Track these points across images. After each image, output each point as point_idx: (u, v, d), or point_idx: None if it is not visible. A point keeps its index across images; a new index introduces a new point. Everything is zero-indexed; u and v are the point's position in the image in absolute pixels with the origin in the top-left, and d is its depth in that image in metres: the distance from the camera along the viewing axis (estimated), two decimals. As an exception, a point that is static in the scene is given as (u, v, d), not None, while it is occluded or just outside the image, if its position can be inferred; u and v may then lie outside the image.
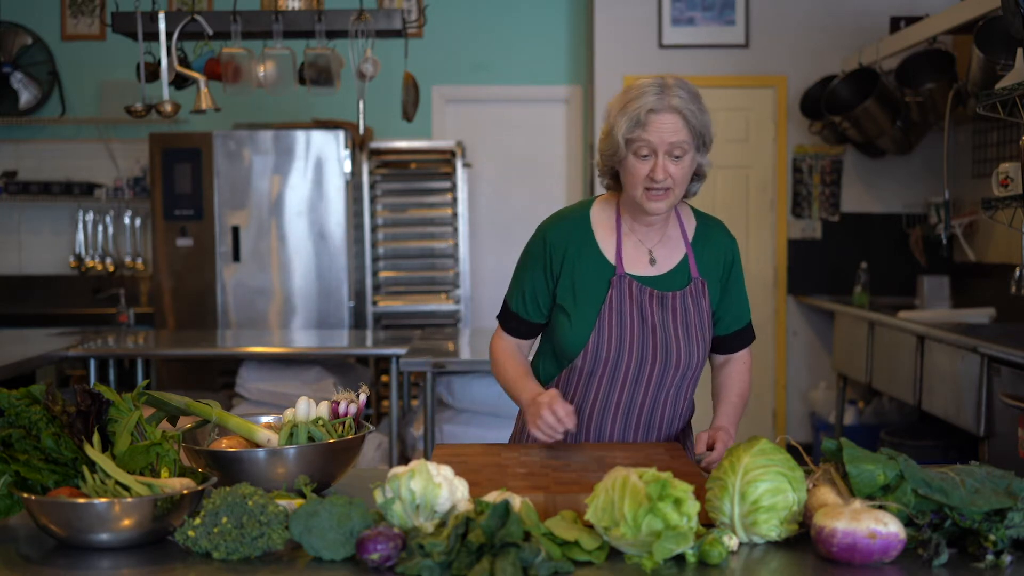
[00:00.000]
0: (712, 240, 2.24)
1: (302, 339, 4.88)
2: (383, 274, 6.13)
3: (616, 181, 2.18)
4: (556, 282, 2.18)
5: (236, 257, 5.63)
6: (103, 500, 1.56)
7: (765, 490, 1.56)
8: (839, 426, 5.70)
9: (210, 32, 4.35)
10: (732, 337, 2.27)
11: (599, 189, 5.11)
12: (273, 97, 4.73)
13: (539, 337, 2.32)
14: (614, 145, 2.08)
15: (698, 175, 2.15)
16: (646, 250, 2.18)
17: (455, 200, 6.09)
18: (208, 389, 5.50)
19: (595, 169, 2.26)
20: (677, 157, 2.05)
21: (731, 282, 2.25)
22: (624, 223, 2.19)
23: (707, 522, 1.61)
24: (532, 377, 2.22)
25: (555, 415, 2.01)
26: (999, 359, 3.81)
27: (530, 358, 2.33)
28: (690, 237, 2.22)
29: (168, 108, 4.39)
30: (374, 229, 6.09)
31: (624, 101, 2.07)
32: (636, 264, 2.17)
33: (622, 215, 2.19)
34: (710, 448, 2.07)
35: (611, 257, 2.16)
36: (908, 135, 5.68)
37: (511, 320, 2.26)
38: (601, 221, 2.20)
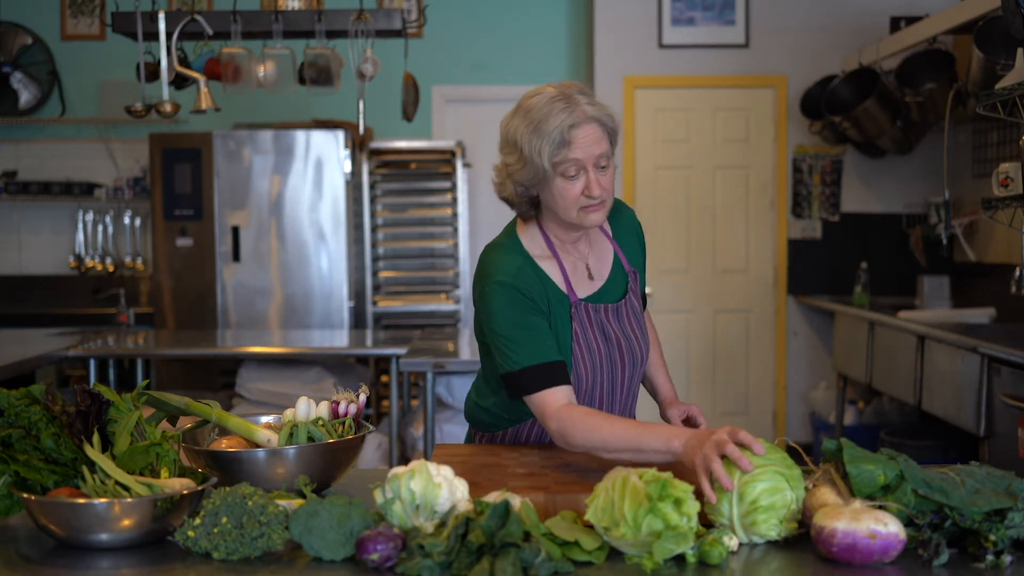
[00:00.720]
0: (623, 223, 2.22)
1: (302, 339, 4.88)
2: (383, 274, 6.13)
3: (536, 208, 2.07)
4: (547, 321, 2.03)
5: (236, 257, 5.63)
6: (103, 500, 1.56)
7: (763, 490, 1.56)
8: (839, 426, 5.70)
9: (210, 32, 4.36)
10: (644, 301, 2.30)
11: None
12: (273, 97, 4.73)
13: (480, 377, 2.20)
14: (537, 172, 1.95)
15: None
16: (584, 267, 2.11)
17: (455, 200, 6.10)
18: (208, 389, 5.50)
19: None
20: (603, 167, 1.97)
21: (644, 253, 2.26)
22: (556, 246, 2.09)
23: (707, 523, 1.61)
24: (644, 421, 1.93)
25: (742, 441, 1.63)
26: (999, 359, 3.81)
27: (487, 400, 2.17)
28: (610, 232, 2.19)
29: (168, 108, 4.39)
30: (374, 229, 6.09)
31: (533, 123, 1.94)
32: (582, 285, 2.10)
33: (550, 239, 2.09)
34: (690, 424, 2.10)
35: (562, 286, 2.06)
36: (908, 135, 5.68)
37: (548, 374, 1.95)
38: (538, 253, 2.07)
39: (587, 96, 1.98)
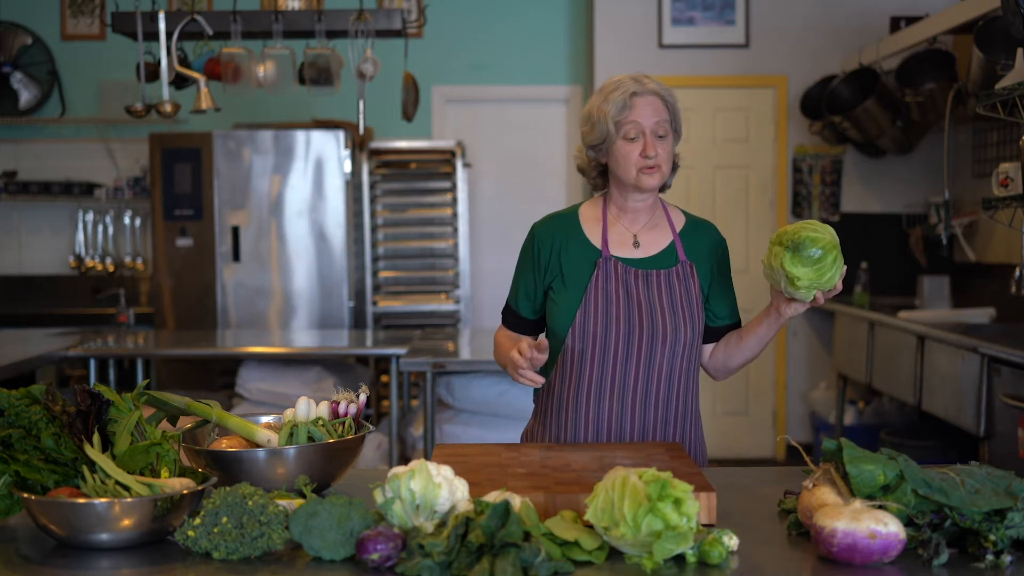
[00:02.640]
0: (701, 233, 2.32)
1: (302, 339, 4.88)
2: (383, 274, 6.13)
3: (603, 179, 2.29)
4: (544, 274, 2.27)
5: (236, 257, 5.63)
6: (103, 500, 1.56)
7: None
8: (839, 426, 5.70)
9: (210, 32, 4.36)
10: (729, 328, 2.35)
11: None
12: (273, 97, 4.73)
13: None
14: (603, 132, 2.20)
15: (674, 164, 2.28)
16: (631, 235, 2.27)
17: (455, 200, 6.10)
18: (208, 389, 5.50)
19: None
20: (661, 137, 2.19)
21: (722, 274, 2.32)
22: (611, 214, 2.28)
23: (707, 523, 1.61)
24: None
25: (520, 352, 2.08)
26: (999, 359, 3.81)
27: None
28: (678, 229, 2.30)
29: (168, 108, 4.39)
30: (374, 229, 6.09)
31: (604, 94, 2.21)
32: (621, 247, 2.25)
33: (608, 207, 2.29)
34: None
35: (597, 243, 2.25)
36: (908, 135, 5.68)
37: (507, 314, 2.38)
38: (589, 215, 2.30)
39: (653, 79, 2.24)
